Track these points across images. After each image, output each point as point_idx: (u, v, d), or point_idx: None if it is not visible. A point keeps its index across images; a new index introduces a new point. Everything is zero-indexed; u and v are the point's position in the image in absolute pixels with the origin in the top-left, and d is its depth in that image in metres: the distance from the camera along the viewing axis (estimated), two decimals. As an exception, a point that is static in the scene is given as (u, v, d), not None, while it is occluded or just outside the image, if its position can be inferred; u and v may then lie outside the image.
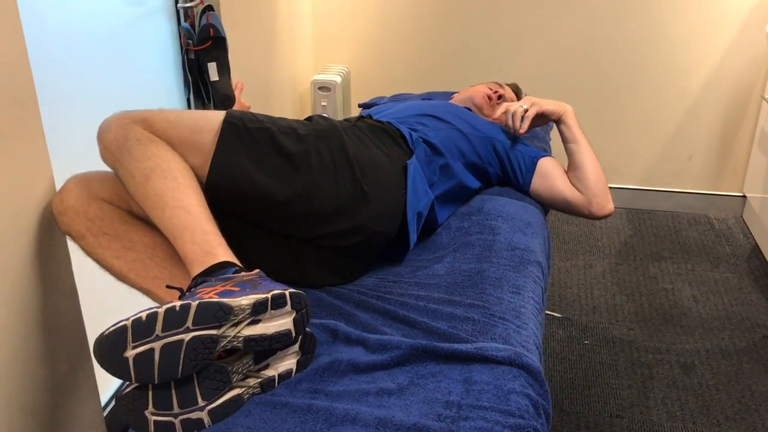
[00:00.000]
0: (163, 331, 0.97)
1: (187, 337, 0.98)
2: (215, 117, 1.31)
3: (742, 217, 3.08)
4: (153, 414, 1.00)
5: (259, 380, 1.10)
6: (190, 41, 2.05)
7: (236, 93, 1.98)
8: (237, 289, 1.06)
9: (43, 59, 1.42)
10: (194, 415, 1.02)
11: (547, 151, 2.06)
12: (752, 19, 2.78)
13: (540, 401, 1.13)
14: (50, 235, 1.31)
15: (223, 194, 1.27)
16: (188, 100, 2.21)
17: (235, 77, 2.25)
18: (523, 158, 1.77)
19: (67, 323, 1.39)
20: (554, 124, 1.82)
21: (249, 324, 1.03)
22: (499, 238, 1.56)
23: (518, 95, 2.11)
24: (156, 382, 0.99)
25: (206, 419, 1.02)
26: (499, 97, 2.00)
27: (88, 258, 1.29)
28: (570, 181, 1.72)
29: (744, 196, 3.05)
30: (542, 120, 1.79)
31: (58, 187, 1.30)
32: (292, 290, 1.08)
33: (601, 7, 2.88)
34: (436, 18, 3.00)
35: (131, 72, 1.92)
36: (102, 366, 0.99)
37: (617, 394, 2.03)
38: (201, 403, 1.02)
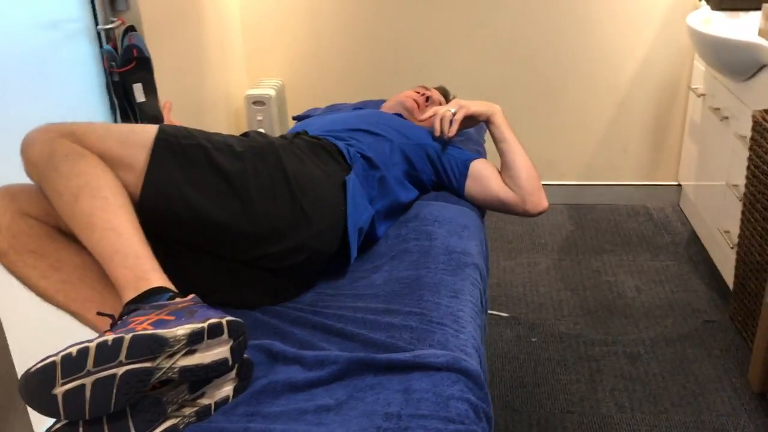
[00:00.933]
0: (94, 366, 0.93)
1: (120, 371, 0.94)
2: (147, 132, 1.24)
3: (679, 205, 3.16)
4: (89, 452, 0.97)
5: (195, 409, 1.06)
6: (114, 63, 2.01)
7: (165, 113, 1.93)
8: (172, 318, 1.03)
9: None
10: (128, 450, 0.99)
11: (481, 153, 2.08)
12: (674, 11, 2.86)
13: (480, 405, 1.12)
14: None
15: (156, 214, 1.21)
16: (116, 123, 2.16)
17: (165, 96, 2.21)
18: (455, 162, 1.77)
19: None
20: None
21: (185, 354, 1.00)
22: (435, 243, 1.55)
23: (446, 97, 2.13)
24: (87, 418, 0.95)
25: (141, 455, 0.99)
26: (427, 99, 2.02)
27: (12, 281, 1.24)
28: (503, 181, 1.73)
29: (679, 185, 3.12)
30: (471, 122, 1.80)
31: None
32: (229, 318, 1.05)
33: (528, 7, 2.92)
34: (367, 27, 3.01)
35: (53, 98, 1.86)
36: (29, 404, 0.94)
37: (567, 389, 2.05)
38: (135, 435, 0.98)
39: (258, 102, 2.88)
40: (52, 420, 1.07)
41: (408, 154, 1.72)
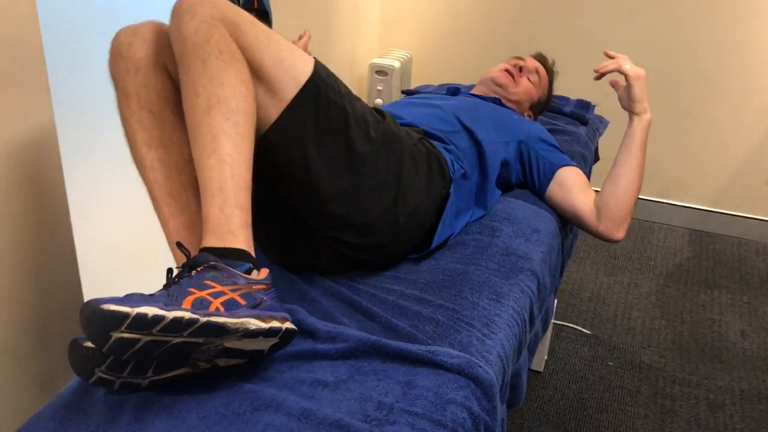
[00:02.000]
0: (160, 332, 0.96)
1: (176, 340, 0.97)
2: (302, 64, 1.18)
3: (819, 252, 2.83)
4: (101, 372, 1.00)
5: (210, 366, 1.08)
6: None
7: (304, 41, 1.87)
8: (243, 302, 1.03)
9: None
10: (135, 380, 1.02)
11: (586, 158, 1.95)
12: None
13: (482, 417, 1.05)
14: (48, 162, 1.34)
15: (271, 153, 1.18)
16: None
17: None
18: (545, 163, 1.67)
19: (61, 272, 1.42)
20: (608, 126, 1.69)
21: (234, 339, 1.02)
22: (496, 241, 1.47)
23: (544, 64, 2.00)
24: (123, 359, 0.97)
25: (144, 385, 1.02)
26: (520, 69, 1.91)
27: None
28: (591, 193, 1.60)
29: (824, 230, 2.79)
30: (624, 94, 1.60)
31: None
32: (288, 326, 1.05)
33: (682, 6, 2.69)
34: (506, 9, 2.90)
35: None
36: (84, 330, 0.96)
37: (632, 422, 1.91)
38: (149, 374, 1.01)
39: (381, 72, 2.87)
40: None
41: (503, 156, 1.64)
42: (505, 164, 1.65)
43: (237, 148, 1.07)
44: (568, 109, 2.18)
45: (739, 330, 2.32)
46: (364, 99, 3.03)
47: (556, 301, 2.01)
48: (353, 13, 2.82)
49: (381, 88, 2.88)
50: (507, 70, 1.89)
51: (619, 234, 1.57)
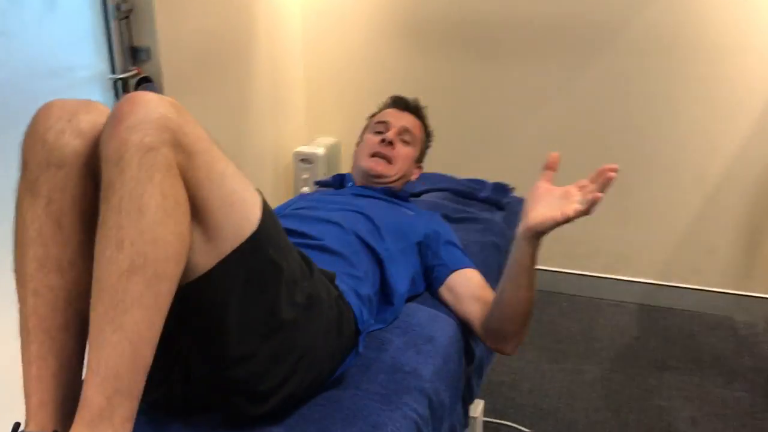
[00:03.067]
0: None
1: None
2: (251, 213, 1.02)
3: (774, 322, 2.70)
4: None
5: None
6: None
7: None
8: None
9: None
10: None
11: (500, 247, 1.83)
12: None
13: None
14: None
15: (185, 303, 0.98)
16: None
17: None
18: (438, 265, 1.54)
19: None
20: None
21: None
22: (383, 356, 1.33)
23: (410, 110, 1.87)
24: None
25: None
26: (390, 143, 1.75)
27: None
28: (487, 303, 1.45)
29: (775, 299, 2.67)
30: (553, 218, 1.26)
31: None
32: None
33: (611, 76, 2.63)
34: (430, 94, 2.83)
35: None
36: None
37: None
38: None
39: (305, 160, 2.77)
40: None
41: (410, 272, 1.51)
42: (413, 282, 1.52)
43: (149, 324, 0.89)
44: (483, 194, 2.07)
45: (689, 417, 2.16)
46: (290, 188, 2.92)
47: (482, 404, 1.85)
48: (275, 100, 2.74)
49: (307, 176, 2.79)
50: (377, 154, 1.75)
51: (509, 350, 1.43)
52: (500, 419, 2.15)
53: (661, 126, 2.63)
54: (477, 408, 1.83)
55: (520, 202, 2.18)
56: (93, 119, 0.97)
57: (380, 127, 1.81)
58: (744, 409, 2.20)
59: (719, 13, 2.47)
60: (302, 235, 1.42)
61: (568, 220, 1.24)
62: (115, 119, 0.90)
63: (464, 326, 1.52)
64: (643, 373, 2.39)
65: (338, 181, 1.85)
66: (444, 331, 1.45)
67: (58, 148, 0.95)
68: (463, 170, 2.31)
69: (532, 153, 2.81)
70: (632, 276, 2.85)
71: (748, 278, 2.72)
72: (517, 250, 1.31)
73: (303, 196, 1.83)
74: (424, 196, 2.08)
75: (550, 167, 1.33)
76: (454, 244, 1.59)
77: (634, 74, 2.61)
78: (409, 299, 1.53)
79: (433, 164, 2.57)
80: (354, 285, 1.33)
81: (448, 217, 1.91)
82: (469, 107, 2.83)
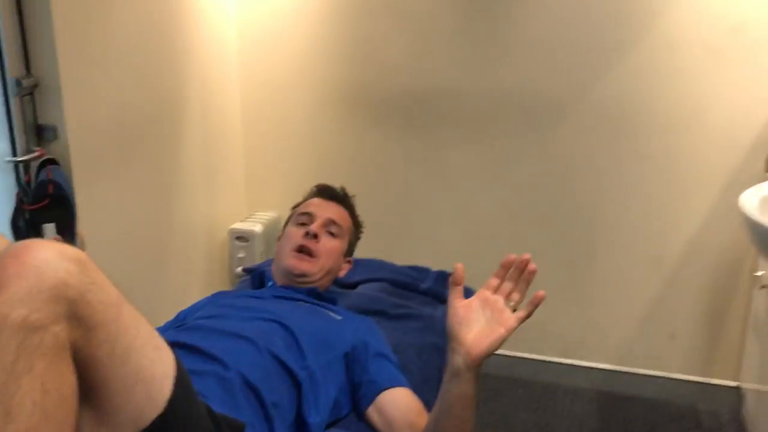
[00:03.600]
0: None
1: None
2: (154, 397, 0.84)
3: (741, 413, 2.54)
4: None
5: None
6: (24, 199, 1.76)
7: None
8: None
9: None
10: None
11: (440, 348, 1.64)
12: (736, 181, 2.36)
13: None
14: None
15: None
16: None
17: (126, 228, 1.96)
18: (366, 381, 1.36)
19: None
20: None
21: None
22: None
23: (337, 200, 1.72)
24: None
25: None
26: (315, 236, 1.58)
27: None
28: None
29: (739, 388, 2.52)
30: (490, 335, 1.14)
31: None
32: None
33: (562, 152, 2.52)
34: (373, 169, 2.69)
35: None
36: None
37: None
38: None
39: (241, 238, 2.59)
40: None
41: (332, 393, 1.33)
42: (336, 405, 1.33)
43: None
44: (425, 285, 1.90)
45: None
46: (225, 267, 2.72)
47: None
48: (209, 173, 2.57)
49: (243, 255, 2.60)
50: (300, 249, 1.58)
51: None
52: None
53: (615, 204, 2.51)
54: None
55: (469, 293, 2.02)
56: None
57: (304, 219, 1.65)
58: None
59: (669, 89, 2.38)
60: (207, 356, 1.21)
61: (511, 332, 1.12)
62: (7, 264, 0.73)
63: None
64: (602, 475, 2.20)
65: (257, 281, 1.67)
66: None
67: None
68: (405, 256, 2.14)
69: (480, 233, 2.70)
70: (590, 361, 2.69)
71: (711, 364, 2.58)
72: (458, 383, 1.13)
73: (217, 295, 1.63)
74: (360, 287, 1.91)
75: (458, 282, 1.18)
76: (386, 357, 1.41)
77: (586, 150, 2.50)
78: (331, 424, 1.33)
79: (372, 249, 2.40)
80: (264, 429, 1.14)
81: (385, 314, 1.74)
82: (413, 184, 2.69)
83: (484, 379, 1.24)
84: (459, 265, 1.16)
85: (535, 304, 1.13)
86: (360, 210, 2.73)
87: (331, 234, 1.63)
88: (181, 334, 1.30)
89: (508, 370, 2.73)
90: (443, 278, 1.96)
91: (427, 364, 1.58)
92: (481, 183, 2.62)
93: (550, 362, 2.73)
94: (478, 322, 1.13)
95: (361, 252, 2.15)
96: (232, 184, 2.76)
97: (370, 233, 2.70)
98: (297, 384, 1.26)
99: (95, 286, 0.78)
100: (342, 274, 1.70)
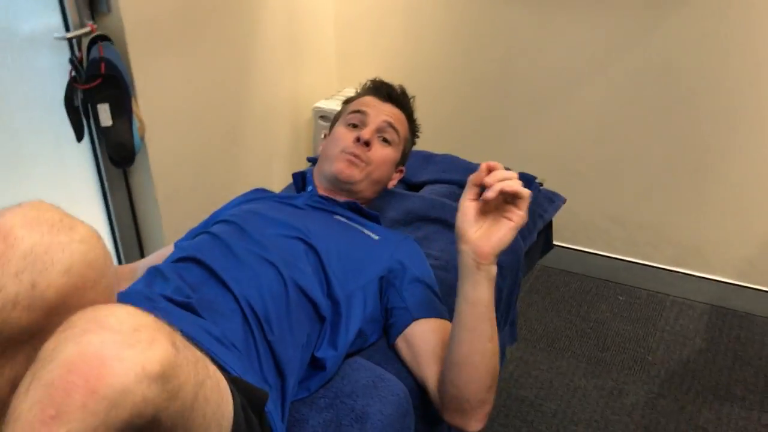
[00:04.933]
0: None
1: None
2: None
3: None
4: None
5: None
6: (77, 77, 1.68)
7: None
8: None
9: None
10: None
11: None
12: None
13: None
14: None
15: None
16: (95, 151, 1.87)
17: (195, 109, 1.88)
18: (398, 307, 1.21)
19: None
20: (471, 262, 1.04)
21: None
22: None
23: (393, 99, 1.48)
24: None
25: None
26: (366, 143, 1.38)
27: None
28: (442, 361, 1.13)
29: None
30: (495, 233, 1.03)
31: None
32: None
33: (688, 37, 2.10)
34: (470, 43, 2.39)
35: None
36: None
37: None
38: None
39: (325, 117, 2.43)
40: None
41: (354, 316, 1.19)
42: (359, 335, 1.20)
43: None
44: (499, 190, 1.67)
45: (746, 471, 1.77)
46: (309, 148, 2.60)
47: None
48: (292, 47, 2.39)
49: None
50: (348, 155, 1.38)
51: (473, 426, 1.09)
52: (509, 449, 1.83)
53: (753, 98, 2.10)
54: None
55: (551, 200, 1.78)
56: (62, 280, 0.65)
57: (355, 119, 1.44)
58: (819, 466, 1.78)
59: None
60: (226, 287, 1.09)
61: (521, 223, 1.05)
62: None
63: (421, 392, 1.20)
64: (698, 401, 1.98)
65: (299, 182, 1.51)
66: (386, 403, 1.12)
67: (39, 286, 0.64)
68: (486, 153, 1.91)
69: (581, 127, 2.37)
70: (705, 272, 2.38)
71: None
72: (472, 288, 1.04)
73: (256, 193, 1.50)
74: (425, 189, 1.72)
75: (477, 182, 1.05)
76: (425, 283, 1.25)
77: (723, 33, 2.06)
78: (355, 353, 1.21)
79: (450, 142, 2.17)
80: (280, 383, 1.04)
81: (445, 222, 1.55)
82: (512, 63, 2.36)
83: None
84: (489, 164, 1.03)
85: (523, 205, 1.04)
86: (446, 94, 2.50)
87: (385, 141, 1.43)
88: (201, 246, 1.19)
89: (610, 274, 2.49)
90: (524, 183, 1.72)
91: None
92: (591, 66, 2.26)
93: (659, 269, 2.45)
94: (487, 222, 1.05)
95: (436, 145, 1.94)
96: (321, 59, 2.57)
97: (450, 123, 2.50)
98: (320, 318, 1.14)
99: (178, 397, 0.64)
100: (391, 185, 1.51)
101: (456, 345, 1.06)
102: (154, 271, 1.15)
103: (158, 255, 1.42)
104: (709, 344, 2.22)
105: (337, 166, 1.38)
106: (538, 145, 2.42)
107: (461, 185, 1.69)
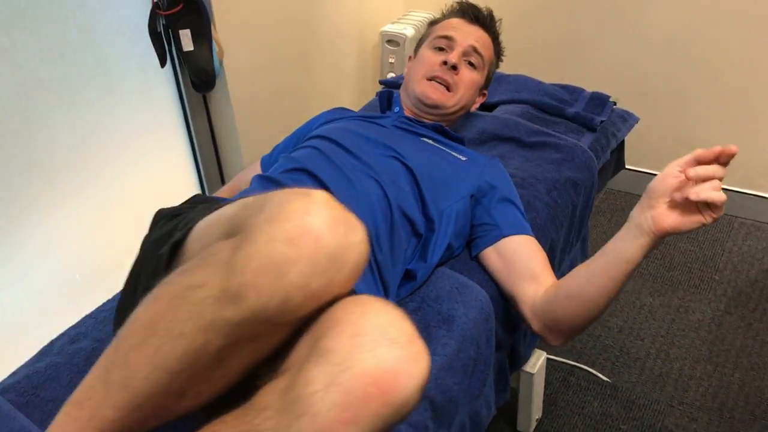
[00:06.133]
0: None
1: None
2: None
3: None
4: None
5: None
6: (159, 4, 1.74)
7: None
8: None
9: None
10: None
11: (578, 184, 1.49)
12: None
13: None
14: None
15: None
16: (177, 76, 1.94)
17: (268, 32, 1.93)
18: (489, 224, 1.26)
19: None
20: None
21: None
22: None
23: (480, 22, 1.49)
24: None
25: None
26: (453, 67, 1.41)
27: None
28: (543, 284, 1.18)
29: None
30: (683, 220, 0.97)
31: None
32: None
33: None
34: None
35: (86, 46, 1.67)
36: None
37: None
38: None
39: (392, 41, 2.44)
40: None
41: (446, 232, 1.24)
42: (448, 248, 1.26)
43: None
44: (573, 110, 1.69)
45: (812, 385, 1.80)
46: (376, 72, 2.62)
47: (543, 357, 1.60)
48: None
49: (393, 60, 2.47)
50: (435, 79, 1.41)
51: (558, 343, 1.16)
52: (575, 361, 1.90)
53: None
54: (536, 362, 1.58)
55: (624, 119, 1.79)
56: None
57: (442, 43, 1.45)
58: None
59: None
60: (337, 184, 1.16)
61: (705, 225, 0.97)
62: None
63: (501, 298, 1.26)
64: (765, 318, 2.01)
65: (384, 101, 1.54)
66: (470, 307, 1.19)
67: (308, 284, 0.69)
68: (556, 74, 1.91)
69: (646, 53, 2.32)
70: (777, 191, 2.37)
71: None
72: (632, 247, 1.01)
73: (338, 112, 1.54)
74: (498, 109, 1.74)
75: (708, 158, 0.93)
76: (512, 203, 1.29)
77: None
78: (438, 264, 1.28)
79: (522, 63, 2.16)
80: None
81: (520, 141, 1.59)
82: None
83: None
84: (730, 149, 0.91)
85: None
86: (515, 14, 2.47)
87: (471, 65, 1.45)
88: (311, 159, 1.23)
89: (677, 196, 2.49)
90: (597, 101, 1.74)
91: (558, 202, 1.44)
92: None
93: (728, 191, 2.44)
94: (680, 205, 0.96)
95: (507, 65, 1.95)
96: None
97: (521, 43, 2.47)
98: (417, 235, 1.20)
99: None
100: (474, 108, 1.53)
101: (586, 286, 1.07)
102: (266, 180, 1.21)
103: (245, 174, 1.50)
104: (778, 265, 2.23)
105: (424, 89, 1.41)
106: (609, 65, 2.40)
107: (534, 105, 1.72)
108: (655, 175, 1.01)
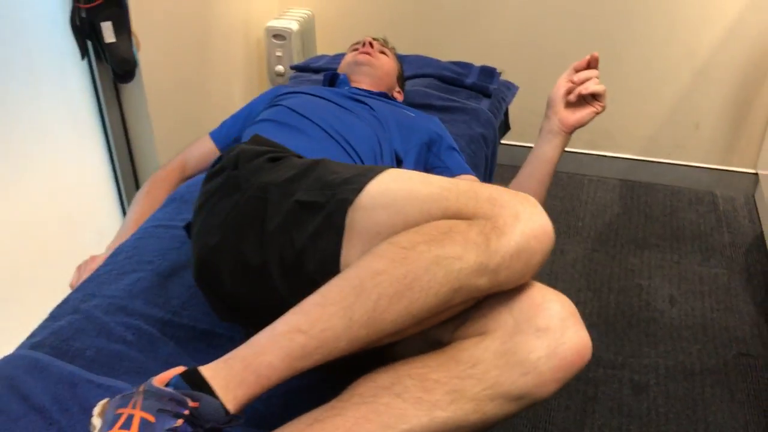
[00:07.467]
0: None
1: None
2: None
3: (753, 197, 2.71)
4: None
5: None
6: (79, -3, 1.79)
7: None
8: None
9: None
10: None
11: (487, 138, 1.76)
12: (779, -32, 2.34)
13: None
14: None
15: None
16: (91, 68, 1.98)
17: (157, 27, 1.99)
18: (442, 166, 1.49)
19: None
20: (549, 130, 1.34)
21: None
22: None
23: (386, 43, 1.80)
24: None
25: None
26: (370, 45, 1.69)
27: None
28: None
29: (757, 174, 2.67)
30: (581, 116, 1.33)
31: None
32: None
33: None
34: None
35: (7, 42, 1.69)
36: None
37: (550, 416, 1.80)
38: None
39: (278, 36, 2.61)
40: None
41: (414, 167, 1.46)
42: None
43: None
44: (470, 80, 1.98)
45: (668, 295, 2.21)
46: (263, 67, 2.78)
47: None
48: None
49: (280, 54, 2.63)
50: (361, 51, 1.68)
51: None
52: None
53: (653, -5, 2.50)
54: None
55: (508, 87, 2.09)
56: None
57: (355, 46, 1.74)
58: (720, 286, 2.26)
59: None
60: (329, 133, 1.34)
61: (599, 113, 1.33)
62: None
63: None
64: (624, 252, 2.42)
65: (327, 81, 1.72)
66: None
67: None
68: (446, 52, 2.19)
69: (519, 31, 2.70)
70: (615, 152, 2.82)
71: (732, 153, 2.70)
72: (550, 148, 1.33)
73: (280, 90, 1.69)
74: (407, 83, 1.98)
75: (578, 67, 1.33)
76: (456, 150, 1.53)
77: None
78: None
79: (414, 45, 2.44)
80: None
81: (433, 107, 1.83)
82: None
83: (513, 171, 1.41)
84: (594, 55, 1.32)
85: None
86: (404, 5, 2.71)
87: (383, 53, 1.71)
88: (303, 107, 1.39)
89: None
90: (487, 73, 2.03)
91: (476, 153, 1.70)
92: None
93: (576, 153, 2.87)
94: (576, 101, 1.31)
95: (404, 47, 2.20)
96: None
97: (414, 28, 2.75)
98: (399, 161, 1.41)
99: None
100: (398, 97, 1.76)
101: (527, 184, 1.35)
102: (279, 125, 1.35)
103: (194, 148, 1.60)
104: (624, 210, 2.67)
105: (354, 57, 1.66)
106: (477, 45, 2.73)
107: (437, 77, 1.98)
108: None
